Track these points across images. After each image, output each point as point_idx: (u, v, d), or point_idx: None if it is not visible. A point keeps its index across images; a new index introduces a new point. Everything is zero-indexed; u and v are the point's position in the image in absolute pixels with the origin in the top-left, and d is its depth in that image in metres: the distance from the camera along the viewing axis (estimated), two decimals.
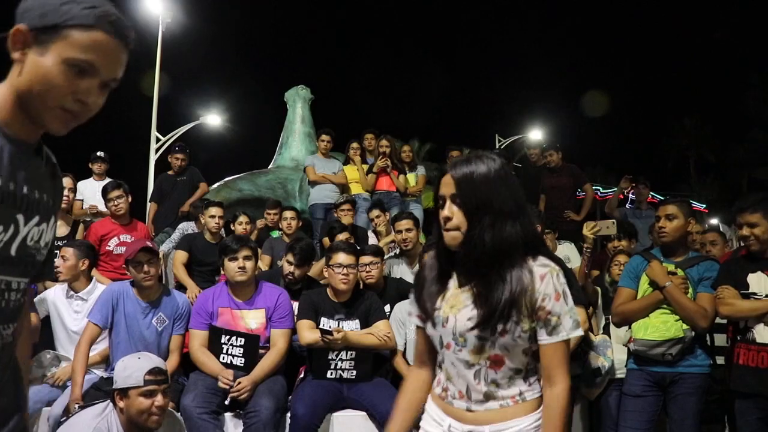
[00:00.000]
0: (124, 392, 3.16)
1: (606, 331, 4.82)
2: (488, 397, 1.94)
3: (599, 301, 5.12)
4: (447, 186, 1.95)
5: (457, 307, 1.97)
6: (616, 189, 9.30)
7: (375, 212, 7.14)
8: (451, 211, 1.93)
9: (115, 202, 5.84)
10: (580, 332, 1.93)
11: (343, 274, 4.45)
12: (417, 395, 2.17)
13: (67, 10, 1.37)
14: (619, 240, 5.94)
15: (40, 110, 1.40)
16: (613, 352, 4.64)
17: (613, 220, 5.39)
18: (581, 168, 9.14)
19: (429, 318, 2.04)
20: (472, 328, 1.91)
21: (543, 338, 1.90)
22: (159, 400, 3.15)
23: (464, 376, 1.97)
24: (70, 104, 1.40)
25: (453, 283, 2.04)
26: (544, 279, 1.89)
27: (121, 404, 3.17)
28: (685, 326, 3.83)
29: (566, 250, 6.59)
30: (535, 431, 1.91)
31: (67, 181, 5.77)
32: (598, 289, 5.17)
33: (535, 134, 25.03)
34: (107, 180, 7.50)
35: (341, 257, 4.48)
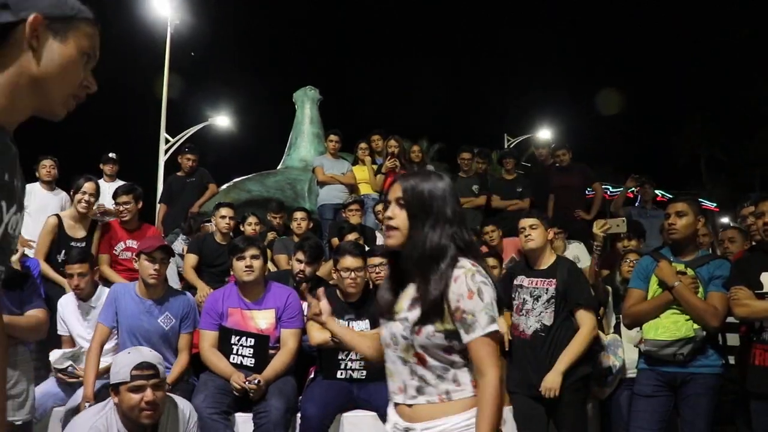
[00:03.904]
0: (115, 388, 3.16)
1: (617, 330, 4.81)
2: (419, 392, 2.06)
3: (610, 301, 5.10)
4: (394, 191, 2.15)
5: (398, 311, 2.12)
6: (623, 188, 9.27)
7: (380, 206, 7.17)
8: (393, 212, 2.13)
9: (121, 208, 5.83)
10: (494, 327, 1.98)
11: (351, 278, 4.44)
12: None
13: (74, 4, 1.45)
14: (629, 239, 5.91)
15: (55, 97, 1.45)
16: (624, 352, 4.63)
17: (623, 219, 5.38)
18: (590, 167, 9.11)
19: (384, 319, 2.21)
20: (399, 326, 2.08)
21: (464, 337, 1.99)
22: (148, 395, 3.11)
23: (400, 373, 2.11)
24: (78, 91, 1.50)
25: (406, 287, 2.18)
26: (458, 280, 2.00)
27: (115, 400, 3.18)
28: (695, 326, 3.80)
29: (576, 250, 6.58)
30: (462, 431, 2.00)
31: (90, 186, 5.77)
32: (609, 288, 5.15)
33: (544, 133, 24.95)
34: (118, 181, 7.54)
35: (348, 261, 4.46)
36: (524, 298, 4.28)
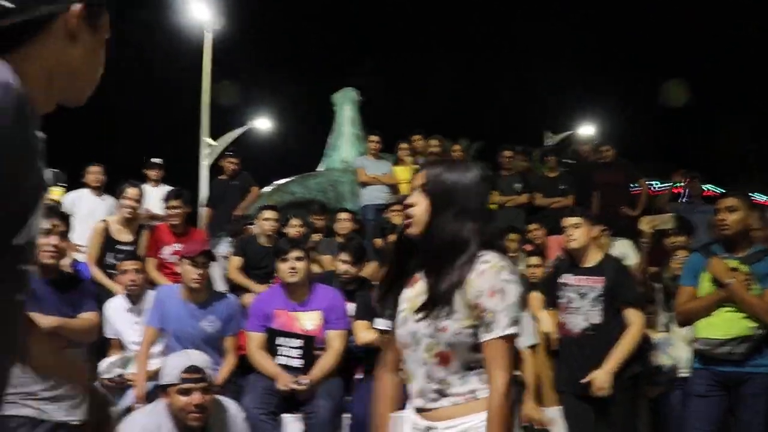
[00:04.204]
0: (164, 389, 3.22)
1: (668, 328, 4.73)
2: (440, 394, 1.95)
3: (659, 299, 5.02)
4: (418, 178, 2.07)
5: (414, 307, 2.00)
6: (670, 184, 9.14)
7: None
8: (415, 200, 2.02)
9: (171, 212, 5.93)
10: (513, 330, 1.87)
11: None
12: (393, 401, 2.21)
13: None
14: (678, 235, 5.81)
15: (84, 86, 1.42)
16: (675, 351, 4.55)
17: (671, 214, 5.30)
18: (634, 162, 8.99)
19: (394, 318, 2.10)
20: (421, 324, 1.95)
21: (481, 336, 1.89)
22: (196, 398, 3.14)
23: (419, 375, 1.99)
24: (98, 79, 1.44)
25: (416, 282, 2.07)
26: (483, 275, 1.89)
27: (165, 401, 3.23)
28: (751, 324, 3.70)
29: (622, 247, 6.48)
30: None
31: (134, 192, 5.90)
32: (658, 285, 5.06)
33: (586, 129, 24.57)
34: (162, 186, 7.66)
35: None
36: (570, 296, 4.23)
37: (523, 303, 1.95)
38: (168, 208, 5.97)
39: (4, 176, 1.09)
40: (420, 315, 1.95)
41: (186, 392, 3.16)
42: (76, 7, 1.31)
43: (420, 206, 2.00)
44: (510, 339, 1.88)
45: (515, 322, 1.88)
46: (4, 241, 1.15)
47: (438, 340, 1.93)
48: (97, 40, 1.39)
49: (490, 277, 1.89)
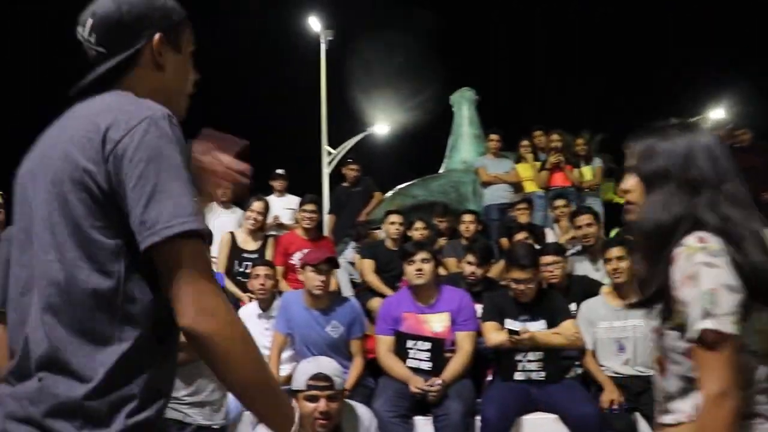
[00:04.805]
0: (294, 395, 3.28)
1: None
2: (666, 406, 1.68)
3: None
4: (628, 158, 1.78)
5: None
6: None
7: (559, 201, 7.09)
8: (629, 184, 1.76)
9: (308, 215, 6.11)
10: (707, 324, 1.48)
11: (520, 290, 4.38)
12: None
13: (175, 8, 1.50)
14: None
15: (180, 103, 1.53)
16: None
17: None
18: None
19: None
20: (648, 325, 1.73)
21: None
22: (321, 405, 3.17)
23: (655, 383, 1.77)
24: (191, 89, 1.57)
25: None
26: (675, 262, 1.57)
27: (295, 406, 3.30)
28: None
29: None
30: None
31: (259, 205, 6.14)
32: None
33: (716, 113, 23.30)
34: (287, 196, 7.91)
35: (516, 273, 4.38)
36: None
37: (736, 292, 1.51)
38: (302, 212, 6.18)
39: None
40: (642, 314, 1.73)
41: (312, 399, 3.21)
42: (156, 36, 1.44)
43: (635, 190, 1.75)
44: (712, 335, 1.48)
45: (708, 313, 1.49)
46: None
47: (656, 344, 1.69)
48: (183, 56, 1.53)
49: (682, 263, 1.56)
